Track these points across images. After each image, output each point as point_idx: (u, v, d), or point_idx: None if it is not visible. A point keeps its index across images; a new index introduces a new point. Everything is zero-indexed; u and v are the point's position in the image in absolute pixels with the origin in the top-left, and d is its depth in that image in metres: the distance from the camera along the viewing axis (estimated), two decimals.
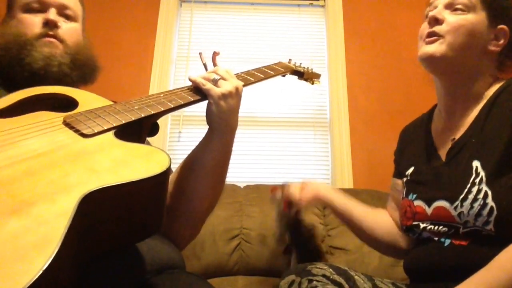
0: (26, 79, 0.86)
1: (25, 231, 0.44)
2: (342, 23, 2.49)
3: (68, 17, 0.97)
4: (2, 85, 0.88)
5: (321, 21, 2.58)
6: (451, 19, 0.87)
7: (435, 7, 0.91)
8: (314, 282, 0.79)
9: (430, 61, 0.89)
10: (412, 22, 2.52)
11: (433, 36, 0.88)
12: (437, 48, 0.87)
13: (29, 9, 0.93)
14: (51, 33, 0.92)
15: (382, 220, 1.08)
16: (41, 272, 0.40)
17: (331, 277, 0.81)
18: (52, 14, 0.93)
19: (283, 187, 1.16)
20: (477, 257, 0.74)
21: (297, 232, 1.18)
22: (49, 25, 0.92)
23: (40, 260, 0.41)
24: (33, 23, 0.92)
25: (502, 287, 0.66)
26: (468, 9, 0.87)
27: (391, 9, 2.53)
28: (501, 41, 0.88)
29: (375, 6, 2.54)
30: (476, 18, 0.87)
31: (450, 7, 0.89)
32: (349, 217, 1.08)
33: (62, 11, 0.96)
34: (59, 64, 0.89)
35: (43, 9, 0.94)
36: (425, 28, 0.91)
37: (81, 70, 0.94)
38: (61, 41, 0.93)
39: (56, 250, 0.42)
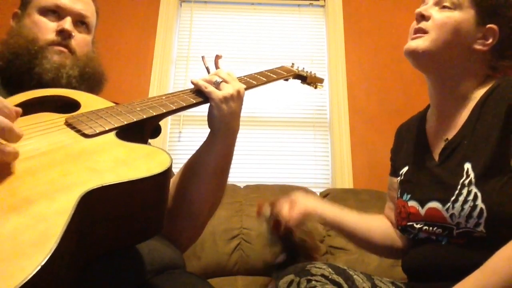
0: (33, 87, 0.85)
1: (24, 228, 0.45)
2: (342, 23, 2.50)
3: (82, 28, 0.97)
4: (5, 91, 0.88)
5: (321, 21, 2.58)
6: (437, 16, 0.88)
7: (426, 4, 0.92)
8: (313, 281, 0.79)
9: (413, 55, 0.89)
10: (411, 22, 2.53)
11: (419, 32, 0.89)
12: (419, 43, 0.88)
13: (45, 12, 0.93)
14: (64, 43, 0.92)
15: (376, 224, 1.08)
16: (39, 268, 0.40)
17: (330, 276, 0.81)
18: (67, 23, 0.92)
19: (271, 205, 1.11)
20: (475, 255, 0.75)
21: (289, 246, 1.13)
22: (63, 34, 0.92)
23: (39, 257, 0.41)
24: (48, 28, 0.92)
25: None
26: (455, 7, 0.87)
27: (391, 9, 2.53)
28: (489, 41, 0.87)
29: (375, 6, 2.54)
30: (463, 16, 0.87)
31: (439, 4, 0.89)
32: (341, 227, 1.06)
33: (78, 20, 0.96)
34: (67, 77, 0.89)
35: (60, 15, 0.94)
36: (414, 25, 0.92)
37: (89, 83, 0.94)
38: (71, 52, 0.93)
39: (55, 247, 0.42)
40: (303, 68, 1.17)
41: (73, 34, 0.93)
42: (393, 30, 2.48)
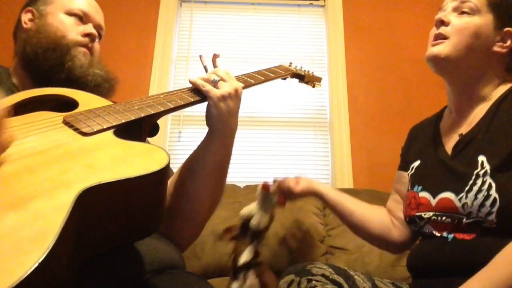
0: (62, 81, 0.90)
1: (22, 225, 0.45)
2: (342, 23, 2.49)
3: (99, 37, 1.04)
4: (36, 85, 0.91)
5: (321, 21, 2.58)
6: (456, 22, 0.91)
7: (445, 11, 0.95)
8: (313, 281, 0.80)
9: (435, 61, 0.93)
10: (412, 22, 2.53)
11: (439, 38, 0.92)
12: (441, 49, 0.91)
13: (71, 15, 0.98)
14: (89, 45, 0.98)
15: (374, 213, 1.11)
16: (36, 265, 0.40)
17: (330, 276, 0.82)
18: (92, 28, 0.99)
19: (276, 181, 1.19)
20: (481, 251, 0.76)
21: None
22: (91, 37, 0.98)
23: (37, 253, 0.41)
24: (75, 29, 0.97)
25: (506, 284, 0.67)
26: (473, 12, 0.91)
27: (391, 9, 2.53)
28: (508, 43, 0.91)
29: (375, 6, 2.54)
30: (481, 20, 0.90)
31: (458, 10, 0.93)
32: (340, 207, 1.11)
33: (97, 29, 1.02)
34: (93, 74, 0.95)
35: (84, 20, 1.00)
36: (433, 31, 0.95)
37: (110, 84, 0.99)
38: (92, 55, 0.99)
39: (52, 244, 0.42)
40: (301, 67, 1.17)
41: (96, 39, 1.00)
42: (393, 30, 2.48)
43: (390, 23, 2.49)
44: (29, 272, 0.39)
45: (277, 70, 1.06)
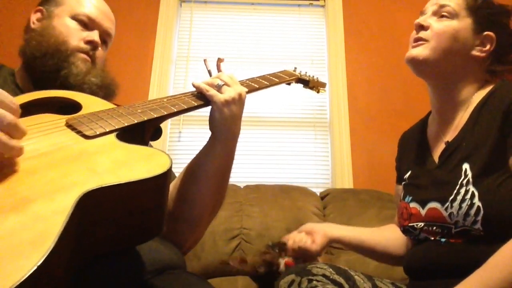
0: (57, 88, 0.88)
1: (22, 227, 0.45)
2: (342, 23, 2.50)
3: (104, 44, 1.03)
4: (34, 87, 0.91)
5: (321, 21, 2.58)
6: (436, 25, 0.92)
7: (425, 15, 0.96)
8: (314, 281, 0.80)
9: (413, 63, 0.94)
10: (412, 22, 2.52)
11: (419, 41, 0.93)
12: (420, 51, 0.92)
13: (76, 20, 0.97)
14: (90, 53, 0.96)
15: (392, 236, 1.10)
16: (36, 267, 0.40)
17: (331, 276, 0.82)
18: (96, 36, 0.98)
19: (282, 244, 1.13)
20: (473, 254, 0.77)
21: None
22: (92, 45, 0.97)
23: (36, 256, 0.41)
24: (78, 35, 0.96)
25: (498, 286, 0.67)
26: (452, 16, 0.91)
27: (391, 9, 2.53)
28: (487, 47, 0.91)
29: (375, 6, 2.54)
30: (460, 24, 0.91)
31: (437, 14, 0.93)
32: (362, 246, 1.10)
33: (103, 36, 1.02)
34: (90, 83, 0.93)
35: (89, 26, 0.99)
36: (413, 34, 0.96)
37: (107, 91, 0.97)
38: (93, 63, 0.97)
39: (52, 247, 0.42)
40: (306, 72, 1.17)
41: (99, 48, 0.99)
42: (393, 30, 2.48)
43: (390, 23, 2.49)
44: (28, 275, 0.39)
45: (281, 75, 1.06)
